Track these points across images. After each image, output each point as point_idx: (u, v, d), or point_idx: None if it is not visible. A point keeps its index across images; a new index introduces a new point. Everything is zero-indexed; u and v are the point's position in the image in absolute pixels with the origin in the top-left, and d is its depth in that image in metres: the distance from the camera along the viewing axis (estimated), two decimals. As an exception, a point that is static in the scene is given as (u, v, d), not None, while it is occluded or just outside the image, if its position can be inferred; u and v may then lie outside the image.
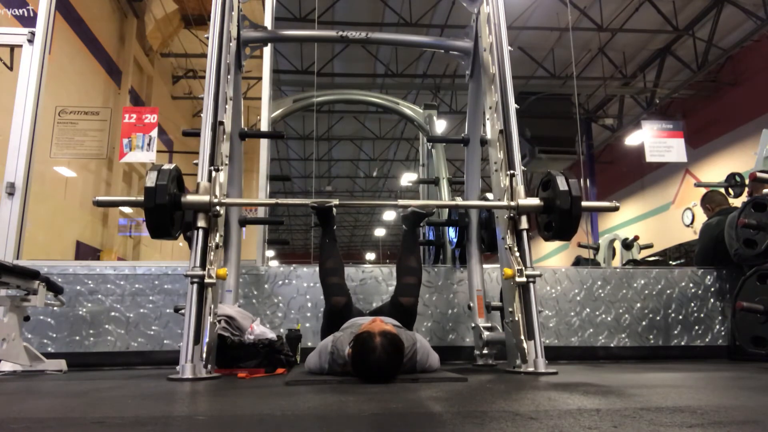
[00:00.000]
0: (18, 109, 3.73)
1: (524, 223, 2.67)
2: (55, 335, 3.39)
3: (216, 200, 2.49)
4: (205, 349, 2.29)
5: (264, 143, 4.00)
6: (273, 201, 2.99)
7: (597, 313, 3.80)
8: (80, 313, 3.44)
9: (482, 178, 3.68)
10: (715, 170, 9.82)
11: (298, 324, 3.52)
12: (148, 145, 4.09)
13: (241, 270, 3.44)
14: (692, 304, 3.89)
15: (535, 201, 2.68)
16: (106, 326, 3.44)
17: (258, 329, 2.74)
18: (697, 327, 3.86)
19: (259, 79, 4.29)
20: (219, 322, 2.61)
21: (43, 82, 3.84)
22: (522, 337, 2.49)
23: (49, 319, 3.40)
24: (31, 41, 3.85)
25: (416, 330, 3.35)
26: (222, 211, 2.58)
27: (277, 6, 4.28)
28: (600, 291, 3.83)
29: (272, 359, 2.70)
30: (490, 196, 3.23)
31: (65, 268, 3.50)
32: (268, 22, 4.11)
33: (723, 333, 3.86)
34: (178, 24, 9.51)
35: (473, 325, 3.32)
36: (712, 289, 3.93)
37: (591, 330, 3.77)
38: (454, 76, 11.19)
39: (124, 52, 9.29)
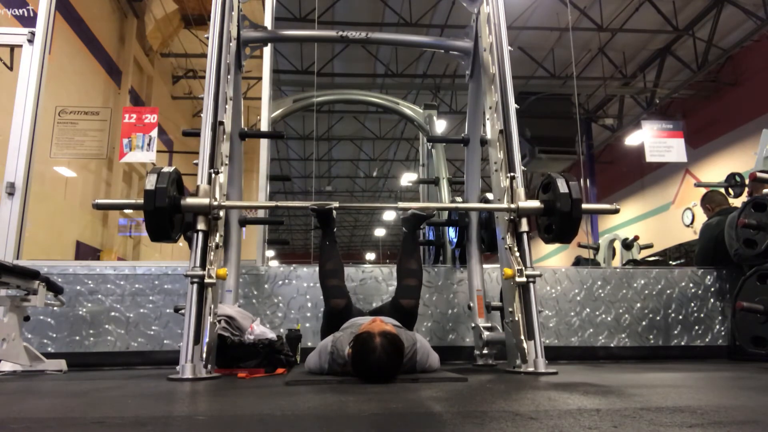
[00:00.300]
0: (18, 109, 3.73)
1: (524, 226, 2.67)
2: (55, 335, 3.39)
3: (216, 203, 2.49)
4: (205, 349, 2.29)
5: (264, 143, 4.00)
6: (273, 203, 2.98)
7: (597, 313, 3.80)
8: (80, 313, 3.44)
9: (482, 178, 3.68)
10: (715, 170, 9.82)
11: (298, 324, 3.52)
12: (148, 145, 4.09)
13: (241, 270, 3.44)
14: (692, 304, 3.89)
15: (535, 203, 2.68)
16: (106, 326, 3.44)
17: (258, 329, 2.74)
18: (697, 327, 3.86)
19: (259, 79, 4.29)
20: (219, 322, 2.61)
21: (43, 82, 3.84)
22: (522, 337, 2.50)
23: (49, 319, 3.40)
24: (31, 41, 3.85)
25: (416, 330, 3.35)
26: (222, 214, 2.58)
27: (277, 6, 4.28)
28: (600, 291, 3.83)
29: (272, 359, 2.69)
30: (490, 196, 3.23)
31: (65, 268, 3.50)
32: (268, 22, 4.11)
33: (723, 333, 3.86)
34: (178, 24, 9.50)
35: (473, 325, 3.32)
36: (712, 289, 3.93)
37: (591, 330, 3.77)
38: (454, 76, 11.19)
39: (124, 52, 9.29)
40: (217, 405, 1.54)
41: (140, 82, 10.02)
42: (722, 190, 4.55)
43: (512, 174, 2.75)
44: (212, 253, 2.42)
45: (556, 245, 16.65)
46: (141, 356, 3.42)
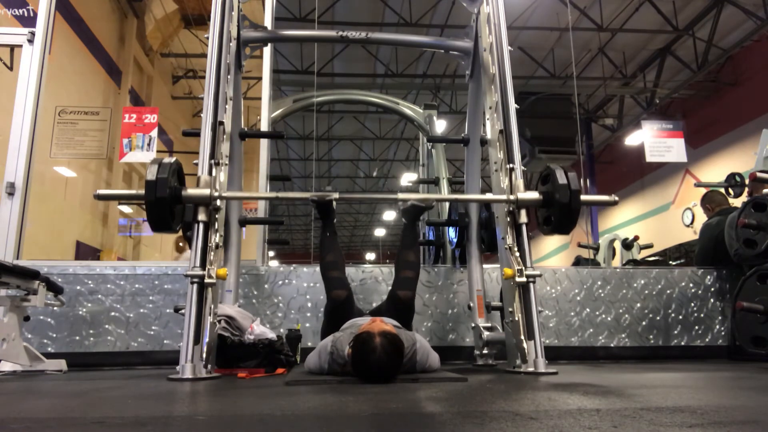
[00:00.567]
0: (18, 109, 3.73)
1: (524, 217, 2.68)
2: (55, 335, 3.39)
3: (216, 194, 2.51)
4: (205, 349, 2.29)
5: (264, 143, 4.00)
6: (273, 195, 3.10)
7: (597, 313, 3.80)
8: (80, 313, 3.44)
9: (482, 178, 3.68)
10: (715, 170, 9.82)
11: (298, 324, 3.52)
12: (148, 145, 4.09)
13: (241, 270, 3.44)
14: (692, 304, 3.89)
15: (534, 195, 2.69)
16: (106, 326, 3.44)
17: (258, 329, 2.74)
18: (697, 327, 3.86)
19: (259, 79, 4.29)
20: (219, 322, 2.61)
21: (43, 82, 3.84)
22: (522, 337, 2.49)
23: (49, 319, 3.40)
24: (31, 41, 3.84)
25: (416, 330, 3.36)
26: (222, 205, 2.59)
27: (277, 6, 4.28)
28: (600, 291, 3.83)
29: (272, 359, 2.69)
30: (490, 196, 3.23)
31: (65, 268, 3.50)
32: (268, 22, 4.11)
33: (723, 333, 3.86)
34: (178, 24, 9.51)
35: (473, 325, 3.32)
36: (712, 289, 3.93)
37: (591, 330, 3.77)
38: (454, 76, 11.19)
39: (124, 52, 9.29)
40: (217, 405, 1.54)
41: (140, 82, 10.02)
42: (722, 190, 4.55)
43: (511, 165, 2.77)
44: (212, 253, 2.42)
45: (557, 245, 16.64)
46: (141, 356, 3.42)
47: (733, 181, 4.51)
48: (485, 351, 3.16)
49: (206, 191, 2.49)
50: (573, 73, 10.28)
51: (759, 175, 3.56)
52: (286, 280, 3.64)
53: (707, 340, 3.84)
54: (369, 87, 11.19)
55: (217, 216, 2.54)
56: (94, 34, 8.28)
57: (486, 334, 3.14)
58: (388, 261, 16.92)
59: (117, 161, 8.08)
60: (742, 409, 1.39)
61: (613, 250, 6.72)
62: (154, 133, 4.13)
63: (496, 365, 3.10)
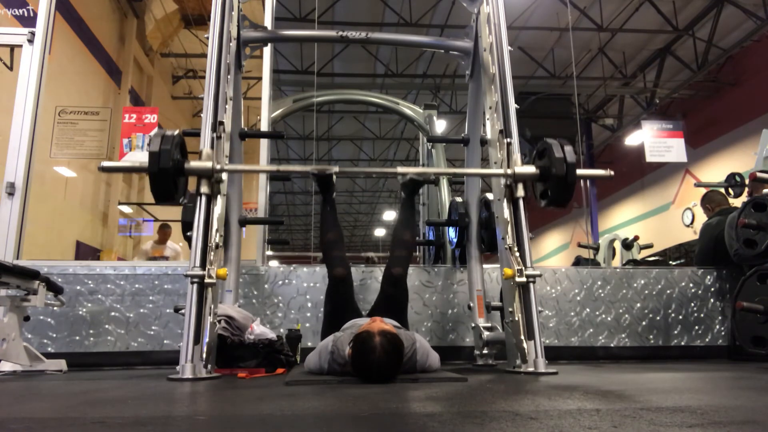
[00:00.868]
0: (18, 109, 3.73)
1: (521, 191, 2.72)
2: (55, 335, 3.39)
3: (218, 166, 2.54)
4: (205, 349, 2.29)
5: (264, 143, 4.00)
6: (275, 167, 3.25)
7: (597, 313, 3.80)
8: (80, 313, 3.44)
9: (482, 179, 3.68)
10: (715, 170, 9.82)
11: (298, 324, 3.52)
12: (148, 145, 4.08)
13: (241, 270, 3.44)
14: (692, 304, 3.89)
15: (531, 168, 2.73)
16: (106, 326, 3.44)
17: (258, 329, 2.74)
18: (697, 327, 3.86)
19: (259, 79, 4.29)
20: (219, 322, 2.61)
21: (43, 82, 3.84)
22: (522, 337, 2.49)
23: (49, 319, 3.40)
24: (31, 41, 3.85)
25: (416, 330, 3.37)
26: (225, 178, 2.62)
27: (277, 6, 4.28)
28: (600, 291, 3.83)
29: (272, 359, 2.70)
30: (490, 196, 3.24)
31: (65, 268, 3.50)
32: (268, 22, 4.11)
33: (723, 333, 3.86)
34: (178, 24, 9.49)
35: (473, 325, 3.32)
36: (712, 289, 3.93)
37: (591, 330, 3.77)
38: (454, 76, 11.18)
39: (124, 52, 9.28)
40: (217, 405, 1.54)
41: (140, 82, 10.01)
42: (722, 190, 4.55)
43: (508, 140, 2.80)
44: (212, 253, 2.42)
45: (557, 245, 16.60)
46: (141, 356, 3.42)
47: (733, 181, 4.51)
48: (485, 351, 3.16)
49: (208, 164, 2.52)
50: (573, 73, 10.28)
51: (759, 175, 3.56)
52: (286, 280, 3.64)
53: (707, 340, 3.84)
54: (369, 87, 11.19)
55: (219, 191, 2.57)
56: (94, 34, 8.27)
57: (486, 334, 3.15)
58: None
59: (117, 161, 8.07)
60: (742, 409, 1.39)
61: (613, 250, 6.72)
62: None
63: (496, 365, 3.10)
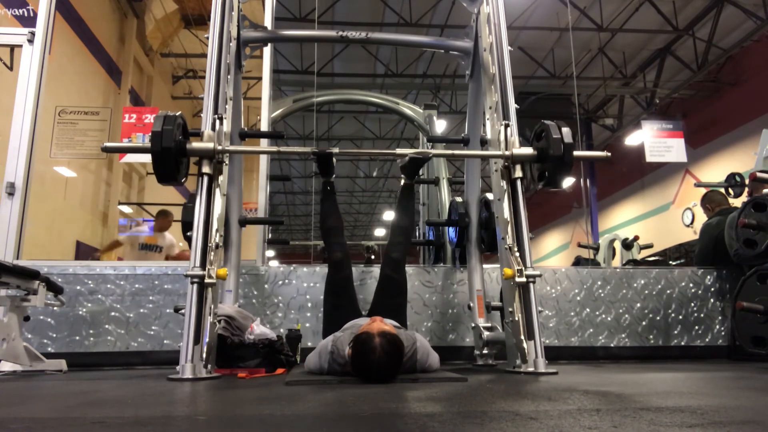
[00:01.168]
0: (18, 109, 3.73)
1: (518, 172, 2.76)
2: (55, 335, 3.39)
3: (220, 147, 2.57)
4: (205, 349, 2.29)
5: (264, 143, 4.00)
6: (275, 149, 3.30)
7: (597, 313, 3.80)
8: (80, 313, 3.44)
9: (482, 178, 3.68)
10: (715, 170, 9.82)
11: (298, 324, 3.52)
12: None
13: (241, 270, 3.44)
14: (692, 304, 3.89)
15: (528, 150, 2.77)
16: (106, 326, 3.44)
17: (258, 329, 2.74)
18: (697, 327, 3.86)
19: (259, 79, 4.29)
20: (219, 322, 2.61)
21: (43, 82, 3.84)
22: (522, 337, 2.49)
23: (49, 319, 3.40)
24: (31, 41, 3.84)
25: (416, 330, 3.36)
26: (226, 159, 2.64)
27: (277, 6, 4.28)
28: (600, 291, 3.83)
29: (272, 359, 2.70)
30: (490, 196, 3.24)
31: (65, 268, 3.50)
32: (268, 22, 4.11)
33: (723, 333, 3.86)
34: (178, 24, 9.49)
35: (473, 325, 3.32)
36: (712, 289, 3.93)
37: (591, 330, 3.77)
38: (454, 76, 11.18)
39: (124, 52, 9.28)
40: (217, 405, 1.54)
41: (140, 82, 10.01)
42: (722, 190, 4.55)
43: (506, 122, 2.84)
44: (212, 253, 2.42)
45: (557, 245, 16.60)
46: (141, 356, 3.42)
47: (733, 181, 4.51)
48: (485, 351, 3.16)
49: (210, 145, 2.56)
50: (573, 73, 10.28)
51: (759, 175, 3.56)
52: (286, 280, 3.64)
53: (707, 340, 3.84)
54: (369, 87, 11.18)
55: (221, 172, 2.60)
56: (94, 34, 8.27)
57: (486, 334, 3.15)
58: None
59: (117, 161, 8.08)
60: (742, 409, 1.39)
61: (613, 250, 6.72)
62: (154, 133, 4.12)
63: (496, 365, 3.10)
